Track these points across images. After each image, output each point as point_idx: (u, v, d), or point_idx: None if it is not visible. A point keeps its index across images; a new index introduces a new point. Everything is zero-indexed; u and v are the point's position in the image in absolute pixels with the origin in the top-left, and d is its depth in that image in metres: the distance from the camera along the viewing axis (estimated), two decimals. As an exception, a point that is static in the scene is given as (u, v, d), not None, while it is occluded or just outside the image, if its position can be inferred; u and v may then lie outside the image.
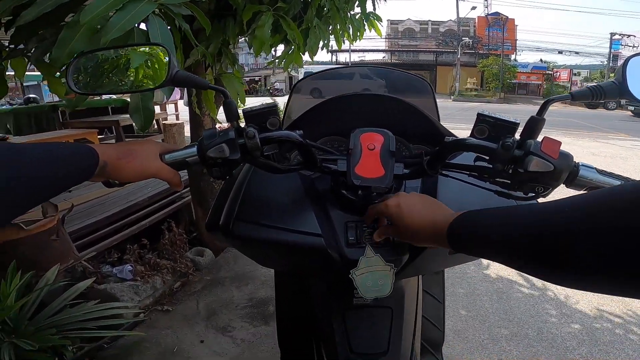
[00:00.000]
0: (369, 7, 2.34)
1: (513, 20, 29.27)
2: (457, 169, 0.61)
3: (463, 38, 27.09)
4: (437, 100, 1.12)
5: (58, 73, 1.19)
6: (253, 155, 0.58)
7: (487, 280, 2.40)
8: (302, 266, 0.71)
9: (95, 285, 1.97)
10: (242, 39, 1.96)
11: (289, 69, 2.12)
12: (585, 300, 2.16)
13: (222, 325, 1.97)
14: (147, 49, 0.73)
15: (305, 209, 0.65)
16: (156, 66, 0.69)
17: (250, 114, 0.58)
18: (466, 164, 0.59)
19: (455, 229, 0.48)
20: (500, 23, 27.98)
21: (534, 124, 0.54)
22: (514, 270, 2.29)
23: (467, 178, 0.60)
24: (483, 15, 29.18)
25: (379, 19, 2.37)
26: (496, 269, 2.52)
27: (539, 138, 0.54)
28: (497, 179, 0.56)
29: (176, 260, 2.43)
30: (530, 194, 0.55)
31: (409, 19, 33.05)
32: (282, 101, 1.63)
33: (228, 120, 0.59)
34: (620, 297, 2.24)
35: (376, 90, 1.17)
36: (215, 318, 2.03)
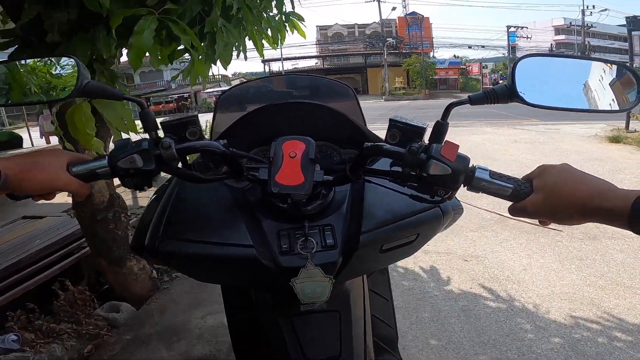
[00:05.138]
0: (288, 7, 2.05)
1: (428, 18, 31.80)
2: (376, 174, 0.63)
3: (387, 39, 28.59)
4: (371, 101, 1.10)
5: None
6: (170, 166, 0.58)
7: (450, 298, 2.19)
8: (238, 278, 0.71)
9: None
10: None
11: (220, 83, 1.76)
12: (556, 308, 2.02)
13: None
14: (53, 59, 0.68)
15: (236, 220, 0.65)
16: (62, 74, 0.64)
17: (168, 125, 0.59)
18: (384, 169, 0.61)
19: None
20: (417, 22, 30.24)
21: (439, 128, 0.56)
22: (475, 283, 1.96)
23: (388, 183, 0.63)
24: (402, 15, 31.32)
25: (301, 19, 2.08)
26: (457, 284, 2.33)
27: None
28: (409, 183, 0.58)
29: (80, 322, 2.01)
30: (437, 198, 0.57)
31: (336, 23, 34.46)
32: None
33: (146, 131, 0.59)
34: (590, 299, 2.05)
35: (302, 98, 1.19)
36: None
